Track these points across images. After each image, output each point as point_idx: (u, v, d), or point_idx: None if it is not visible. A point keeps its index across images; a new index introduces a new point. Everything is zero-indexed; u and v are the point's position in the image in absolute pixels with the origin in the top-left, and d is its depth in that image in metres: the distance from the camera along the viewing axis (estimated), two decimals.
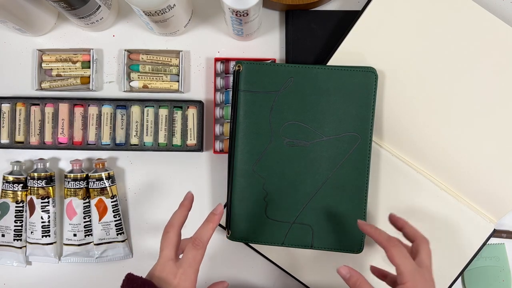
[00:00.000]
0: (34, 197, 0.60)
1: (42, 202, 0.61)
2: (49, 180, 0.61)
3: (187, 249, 0.45)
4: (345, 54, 0.59)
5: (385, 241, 0.46)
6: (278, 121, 0.56)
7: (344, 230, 0.57)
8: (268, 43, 0.63)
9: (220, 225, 0.61)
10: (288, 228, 0.57)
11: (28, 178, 0.61)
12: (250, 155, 0.56)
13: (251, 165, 0.56)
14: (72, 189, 0.61)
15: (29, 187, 0.61)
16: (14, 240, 0.61)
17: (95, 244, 0.61)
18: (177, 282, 0.43)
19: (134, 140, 0.61)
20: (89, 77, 0.62)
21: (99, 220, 0.61)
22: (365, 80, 0.56)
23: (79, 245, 0.61)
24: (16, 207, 0.61)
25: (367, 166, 0.56)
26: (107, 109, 0.61)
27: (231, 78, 0.61)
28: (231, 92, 0.59)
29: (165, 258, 0.45)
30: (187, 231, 0.64)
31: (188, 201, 0.50)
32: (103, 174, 0.61)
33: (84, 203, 0.61)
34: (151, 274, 0.45)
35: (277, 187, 0.57)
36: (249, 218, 0.57)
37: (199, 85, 0.63)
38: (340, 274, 0.47)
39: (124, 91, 0.62)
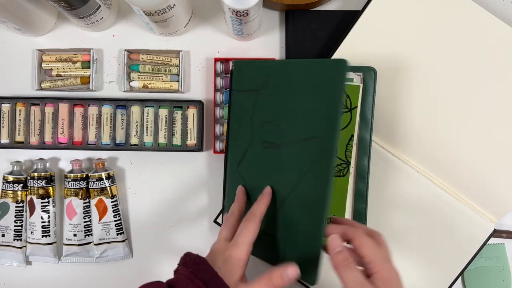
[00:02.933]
0: (34, 197, 0.60)
1: (42, 202, 0.61)
2: (49, 180, 0.61)
3: (240, 224, 0.45)
4: (345, 54, 0.59)
5: (351, 230, 0.43)
6: (257, 121, 0.51)
7: (302, 252, 0.47)
8: (268, 43, 0.63)
9: (220, 225, 0.61)
10: (258, 237, 0.47)
11: (28, 178, 0.61)
12: (236, 155, 0.54)
13: (237, 165, 0.54)
14: (72, 189, 0.61)
15: (29, 187, 0.61)
16: (14, 240, 0.61)
17: (95, 244, 0.61)
18: (228, 254, 0.43)
19: (134, 140, 0.61)
20: (89, 77, 0.62)
21: (99, 220, 0.61)
22: (333, 73, 0.45)
23: (79, 245, 0.61)
24: (16, 207, 0.61)
25: (330, 178, 0.44)
26: (107, 109, 0.61)
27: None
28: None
29: (220, 237, 0.46)
30: (184, 230, 0.64)
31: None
32: (103, 174, 0.61)
33: (84, 203, 0.61)
34: (208, 253, 0.45)
35: (253, 190, 0.52)
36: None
37: (199, 85, 0.63)
38: (330, 243, 0.42)
39: (124, 91, 0.62)
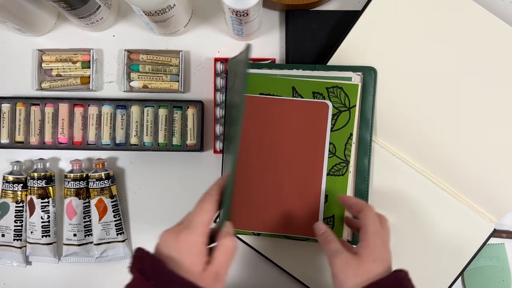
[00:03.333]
0: (34, 197, 0.60)
1: (42, 202, 0.60)
2: (49, 180, 0.61)
3: (195, 204, 0.43)
4: (345, 54, 0.59)
5: (359, 203, 0.50)
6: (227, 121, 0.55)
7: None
8: (268, 43, 0.63)
9: None
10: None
11: (28, 178, 0.61)
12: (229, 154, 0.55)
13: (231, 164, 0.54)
14: (72, 189, 0.61)
15: (29, 187, 0.61)
16: (14, 240, 0.61)
17: (95, 244, 0.61)
18: (180, 239, 0.40)
19: (134, 140, 0.61)
20: (89, 77, 0.62)
21: (99, 220, 0.61)
22: (244, 58, 0.46)
23: (79, 245, 0.61)
24: (16, 207, 0.61)
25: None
26: (107, 109, 0.61)
27: None
28: None
29: (176, 224, 0.43)
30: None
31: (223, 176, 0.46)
32: (103, 174, 0.61)
33: (84, 203, 0.61)
34: (158, 243, 0.42)
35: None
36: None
37: (199, 85, 0.63)
38: (316, 229, 0.51)
39: (124, 91, 0.62)
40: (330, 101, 0.57)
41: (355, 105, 0.57)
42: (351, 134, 0.57)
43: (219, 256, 0.40)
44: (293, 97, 0.57)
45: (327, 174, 0.57)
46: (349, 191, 0.57)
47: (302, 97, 0.57)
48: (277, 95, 0.57)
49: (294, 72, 0.58)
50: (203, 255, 0.40)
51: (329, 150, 0.57)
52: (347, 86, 0.57)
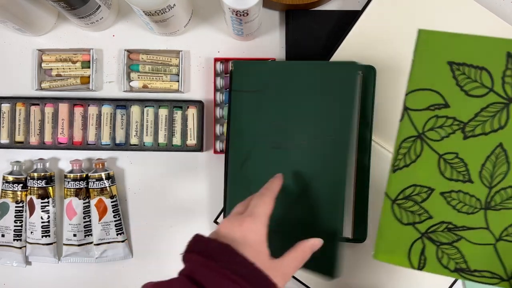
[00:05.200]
0: (34, 197, 0.60)
1: (42, 202, 0.60)
2: (49, 180, 0.61)
3: (253, 199, 0.40)
4: (346, 54, 0.59)
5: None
6: (263, 122, 0.52)
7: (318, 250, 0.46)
8: (268, 43, 0.63)
9: (218, 223, 0.61)
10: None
11: (28, 178, 0.61)
12: (239, 156, 0.55)
13: (240, 166, 0.55)
14: (72, 189, 0.60)
15: (29, 187, 0.61)
16: (14, 240, 0.61)
17: (95, 244, 0.61)
18: (245, 228, 0.37)
19: (134, 140, 0.61)
20: (89, 77, 0.62)
21: (99, 220, 0.61)
22: (346, 75, 0.48)
23: (79, 245, 0.61)
24: (16, 207, 0.61)
25: (344, 178, 0.46)
26: (107, 109, 0.61)
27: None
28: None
29: (233, 212, 0.41)
30: (184, 230, 0.64)
31: (279, 177, 0.44)
32: (103, 174, 0.60)
33: (84, 203, 0.61)
34: (215, 232, 0.39)
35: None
36: None
37: (199, 85, 0.63)
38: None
39: (124, 91, 0.62)
40: None
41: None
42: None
43: (293, 254, 0.39)
44: (506, 70, 0.37)
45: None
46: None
47: None
48: (478, 66, 0.38)
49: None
50: (266, 246, 0.38)
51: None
52: None
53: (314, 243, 0.41)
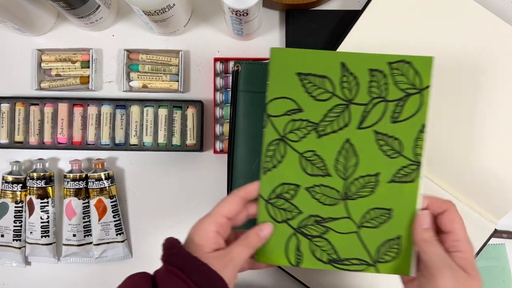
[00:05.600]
0: (33, 197, 0.60)
1: (41, 202, 0.60)
2: (48, 180, 0.61)
3: None
4: None
5: (448, 202, 0.41)
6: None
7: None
8: (268, 43, 0.63)
9: None
10: None
11: (28, 178, 0.61)
12: (249, 155, 0.56)
13: (251, 165, 0.56)
14: (71, 189, 0.60)
15: (28, 187, 0.61)
16: (13, 240, 0.61)
17: (94, 245, 0.61)
18: (197, 224, 0.42)
19: (133, 140, 0.61)
20: (88, 77, 0.62)
21: (99, 220, 0.61)
22: None
23: (78, 245, 0.61)
24: (15, 207, 0.61)
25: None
26: (106, 109, 0.61)
27: (230, 78, 0.61)
28: (230, 92, 0.59)
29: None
30: (184, 230, 0.64)
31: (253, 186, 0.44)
32: (103, 174, 0.60)
33: (83, 203, 0.61)
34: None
35: None
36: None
37: (198, 85, 0.63)
38: (419, 220, 0.41)
39: (124, 91, 0.62)
40: (394, 81, 0.43)
41: (428, 86, 0.43)
42: (423, 126, 0.43)
43: (235, 244, 0.41)
44: (342, 76, 0.43)
45: (390, 181, 0.43)
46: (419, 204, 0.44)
47: (355, 76, 0.43)
48: (320, 75, 0.44)
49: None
50: (211, 242, 0.41)
51: (393, 148, 0.43)
52: (418, 61, 0.43)
53: (260, 228, 0.43)
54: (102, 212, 0.61)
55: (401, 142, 0.43)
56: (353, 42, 0.59)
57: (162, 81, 0.62)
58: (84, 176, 0.61)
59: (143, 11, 0.51)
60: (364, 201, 0.43)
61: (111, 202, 0.61)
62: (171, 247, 0.40)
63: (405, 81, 0.43)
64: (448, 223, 0.40)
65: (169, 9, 0.52)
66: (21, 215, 0.61)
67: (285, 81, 0.44)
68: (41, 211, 0.60)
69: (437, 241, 0.40)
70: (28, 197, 0.61)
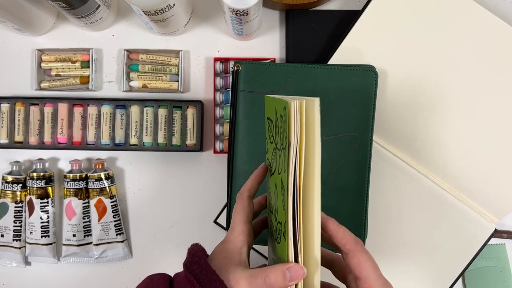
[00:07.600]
0: (33, 197, 0.60)
1: (41, 202, 0.60)
2: (48, 180, 0.61)
3: None
4: (346, 54, 0.59)
5: (352, 243, 0.37)
6: None
7: None
8: (268, 43, 0.63)
9: (220, 225, 0.61)
10: None
11: (27, 178, 0.61)
12: (249, 155, 0.56)
13: (251, 165, 0.56)
14: (71, 189, 0.60)
15: (28, 187, 0.61)
16: (13, 240, 0.61)
17: (94, 245, 0.61)
18: (224, 239, 0.40)
19: (133, 140, 0.61)
20: (88, 77, 0.62)
21: (99, 220, 0.61)
22: (365, 79, 0.56)
23: (78, 245, 0.61)
24: (15, 207, 0.61)
25: (368, 167, 0.56)
26: (106, 109, 0.61)
27: (230, 78, 0.61)
28: (230, 92, 0.59)
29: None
30: (184, 230, 0.64)
31: (258, 170, 0.42)
32: (103, 174, 0.60)
33: (83, 203, 0.61)
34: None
35: None
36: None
37: (198, 85, 0.63)
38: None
39: (124, 91, 0.62)
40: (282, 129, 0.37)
41: (290, 143, 0.34)
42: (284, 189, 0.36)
43: (263, 272, 0.36)
44: (275, 121, 0.39)
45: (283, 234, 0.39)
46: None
47: (277, 122, 0.38)
48: (269, 119, 0.41)
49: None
50: (237, 254, 0.38)
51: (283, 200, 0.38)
52: (290, 108, 0.34)
53: (289, 272, 0.34)
54: (102, 212, 0.61)
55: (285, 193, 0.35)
56: (353, 42, 0.59)
57: (162, 81, 0.62)
58: (84, 176, 0.61)
59: (143, 11, 0.51)
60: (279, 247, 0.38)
61: (111, 202, 0.61)
62: (194, 254, 0.39)
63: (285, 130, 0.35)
64: (354, 267, 0.36)
65: (169, 9, 0.52)
66: (21, 215, 0.61)
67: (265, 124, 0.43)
68: (41, 211, 0.60)
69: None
70: (28, 197, 0.61)
